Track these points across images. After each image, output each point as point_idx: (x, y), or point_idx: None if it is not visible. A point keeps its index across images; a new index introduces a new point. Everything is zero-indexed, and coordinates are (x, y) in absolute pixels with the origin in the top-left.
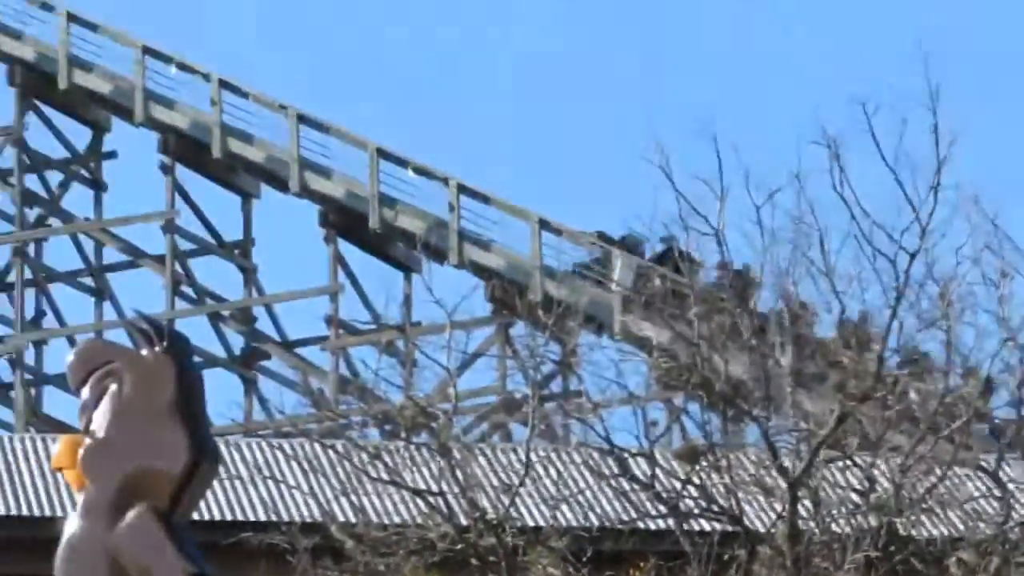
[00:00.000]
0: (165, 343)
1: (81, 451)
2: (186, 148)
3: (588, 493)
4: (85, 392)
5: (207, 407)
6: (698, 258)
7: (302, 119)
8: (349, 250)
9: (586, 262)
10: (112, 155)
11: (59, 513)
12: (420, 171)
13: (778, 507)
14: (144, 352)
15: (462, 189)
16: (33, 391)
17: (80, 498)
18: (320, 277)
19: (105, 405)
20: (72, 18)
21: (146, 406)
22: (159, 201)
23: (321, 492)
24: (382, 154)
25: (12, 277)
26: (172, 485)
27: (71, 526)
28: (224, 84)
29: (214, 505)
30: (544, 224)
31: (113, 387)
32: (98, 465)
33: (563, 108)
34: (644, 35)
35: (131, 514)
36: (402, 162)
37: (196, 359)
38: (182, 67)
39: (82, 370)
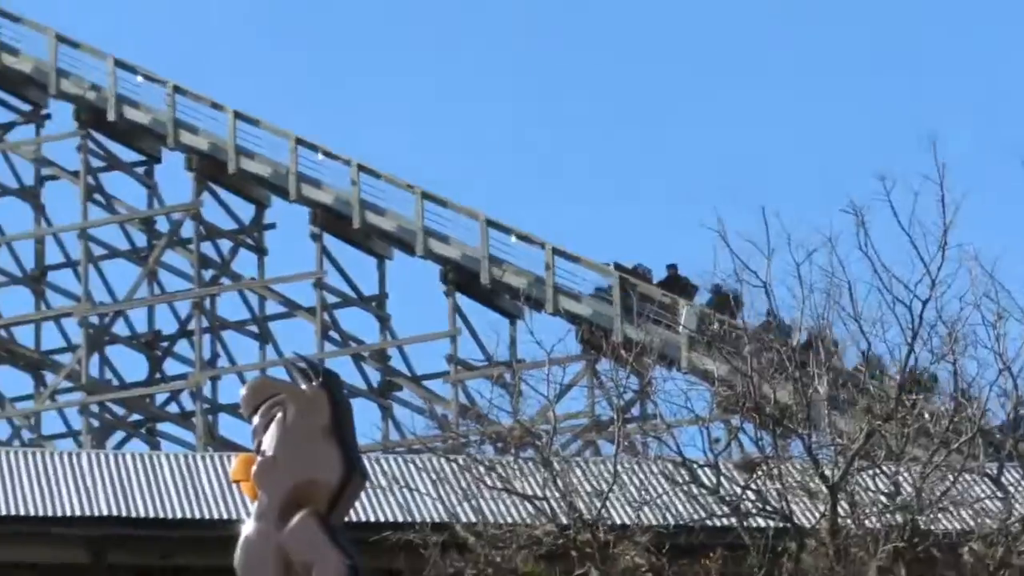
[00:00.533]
0: (320, 379)
1: (254, 467)
2: (331, 219)
3: (665, 497)
4: (256, 419)
5: (355, 430)
6: (745, 303)
7: (425, 195)
8: (465, 302)
9: (603, 287)
10: (272, 226)
11: (235, 517)
12: (522, 237)
13: (821, 507)
14: (303, 386)
15: (556, 251)
16: (210, 418)
17: (254, 505)
18: (441, 323)
19: (273, 429)
20: (238, 115)
21: (306, 430)
22: (310, 263)
23: (447, 498)
24: (491, 223)
25: (192, 326)
26: (329, 494)
27: (247, 528)
28: (361, 167)
29: (360, 509)
30: (624, 280)
31: (279, 415)
32: (268, 478)
33: (626, 173)
34: (699, 106)
35: (296, 518)
36: (507, 229)
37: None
38: (327, 154)
39: (253, 401)
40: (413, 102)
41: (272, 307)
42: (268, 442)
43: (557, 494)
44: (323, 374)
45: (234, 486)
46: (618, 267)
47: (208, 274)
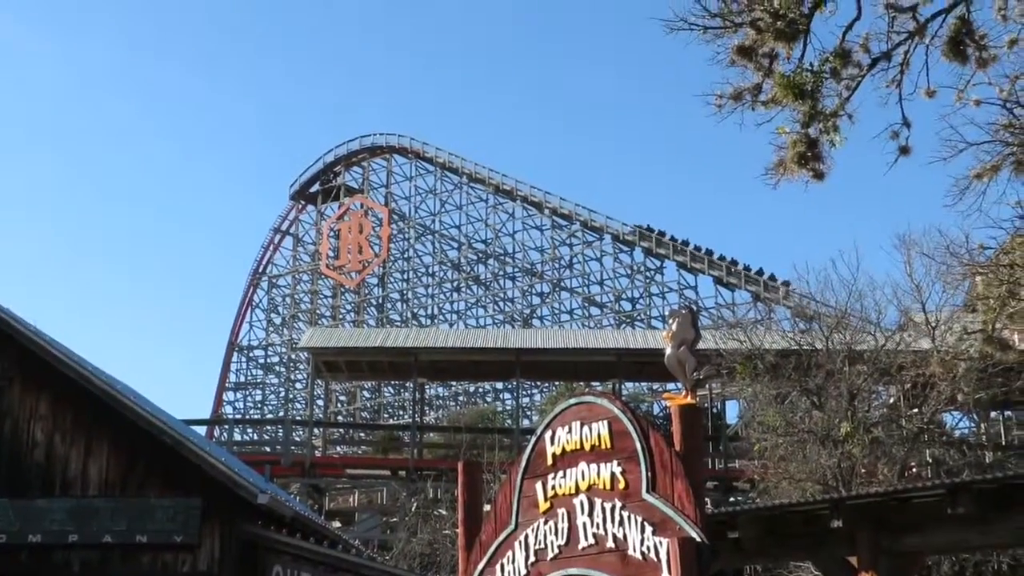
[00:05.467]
0: (686, 309)
1: (669, 334)
2: None
3: None
4: (670, 320)
5: (698, 324)
6: None
7: None
8: None
9: None
10: None
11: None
12: None
13: None
14: (683, 311)
15: None
16: (650, 320)
17: (668, 344)
18: None
19: (675, 324)
20: None
21: (684, 323)
22: None
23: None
24: None
25: None
26: (690, 342)
27: (667, 351)
28: None
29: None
30: None
31: (677, 319)
32: (673, 337)
33: None
34: None
35: (681, 348)
36: None
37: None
38: None
39: (671, 316)
40: None
41: (666, 290)
42: (673, 326)
43: (747, 339)
44: (688, 307)
45: (662, 340)
46: None
47: (648, 281)
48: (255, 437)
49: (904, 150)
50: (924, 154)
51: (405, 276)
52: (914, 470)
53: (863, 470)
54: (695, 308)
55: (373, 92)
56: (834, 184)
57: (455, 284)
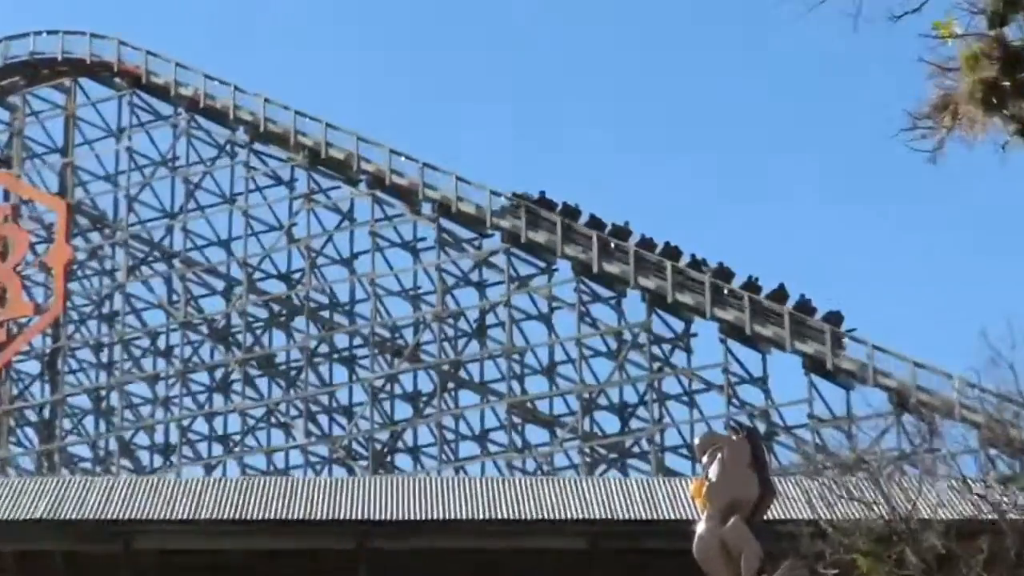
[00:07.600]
0: (744, 432)
1: (704, 489)
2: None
3: (952, 501)
4: (704, 459)
5: (768, 463)
6: None
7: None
8: (816, 379)
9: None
10: (695, 335)
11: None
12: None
13: None
14: (734, 437)
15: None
16: (660, 455)
17: (703, 513)
18: (803, 393)
19: (715, 465)
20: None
21: (736, 465)
22: (718, 358)
23: (813, 503)
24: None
25: (647, 397)
26: (751, 507)
27: (700, 527)
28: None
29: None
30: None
31: (719, 455)
32: (713, 496)
33: None
34: None
35: (731, 521)
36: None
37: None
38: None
39: (704, 447)
40: None
41: (697, 384)
42: (712, 473)
43: (882, 499)
44: (747, 429)
45: (689, 501)
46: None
47: (656, 365)
48: None
49: None
50: None
51: (104, 352)
52: None
53: None
54: (758, 430)
55: None
56: None
57: (227, 370)
